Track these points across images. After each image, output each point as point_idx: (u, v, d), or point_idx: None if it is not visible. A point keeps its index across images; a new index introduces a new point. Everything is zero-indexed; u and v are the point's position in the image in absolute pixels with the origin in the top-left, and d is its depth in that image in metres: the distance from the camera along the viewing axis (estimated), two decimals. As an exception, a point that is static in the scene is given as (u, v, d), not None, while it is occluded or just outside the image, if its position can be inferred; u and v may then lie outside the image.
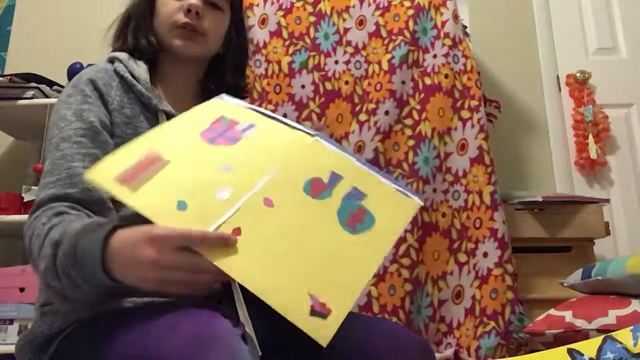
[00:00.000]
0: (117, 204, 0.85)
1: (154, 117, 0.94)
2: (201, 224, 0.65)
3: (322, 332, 0.62)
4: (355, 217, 0.73)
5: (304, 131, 0.82)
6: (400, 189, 0.80)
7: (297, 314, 0.62)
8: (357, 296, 0.68)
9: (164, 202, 0.67)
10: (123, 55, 0.97)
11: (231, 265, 0.63)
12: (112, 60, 0.98)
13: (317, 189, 0.75)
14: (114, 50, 1.02)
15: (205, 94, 1.05)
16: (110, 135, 0.89)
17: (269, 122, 0.83)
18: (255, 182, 0.72)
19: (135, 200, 0.67)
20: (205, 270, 0.63)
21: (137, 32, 1.00)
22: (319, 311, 0.63)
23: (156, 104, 0.93)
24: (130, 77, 0.94)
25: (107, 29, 1.05)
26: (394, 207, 0.77)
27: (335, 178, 0.77)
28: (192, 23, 0.97)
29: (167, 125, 0.82)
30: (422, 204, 0.80)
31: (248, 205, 0.70)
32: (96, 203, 0.82)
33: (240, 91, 1.09)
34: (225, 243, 0.64)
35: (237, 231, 0.66)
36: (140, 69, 0.96)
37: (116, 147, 0.87)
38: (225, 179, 0.71)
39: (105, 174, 0.69)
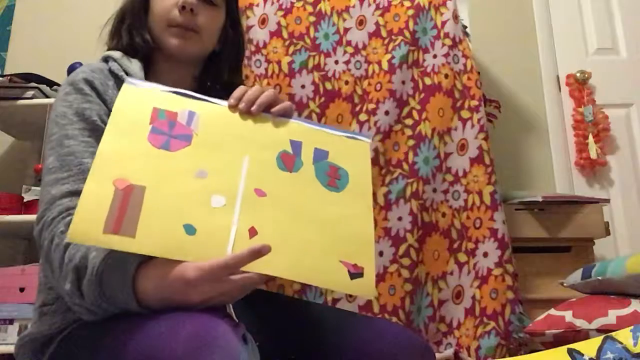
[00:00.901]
0: None
1: None
2: (217, 241, 0.67)
3: (367, 288, 0.71)
4: (331, 175, 0.79)
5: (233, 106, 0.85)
6: (349, 134, 0.86)
7: (343, 284, 0.70)
8: (374, 246, 0.76)
9: (171, 235, 0.66)
10: (117, 54, 0.97)
11: (268, 266, 0.68)
12: (106, 59, 0.97)
13: (288, 162, 0.78)
14: (109, 49, 1.01)
15: (201, 92, 1.06)
16: None
17: (200, 104, 0.81)
18: (236, 178, 0.74)
19: (139, 246, 0.65)
20: (249, 284, 0.68)
21: (131, 30, 0.99)
22: (356, 272, 0.71)
23: None
24: (125, 75, 0.93)
25: (102, 27, 1.04)
26: (353, 152, 0.83)
27: (296, 145, 0.81)
28: (186, 21, 0.96)
29: (106, 140, 0.72)
30: (370, 141, 0.86)
31: (245, 203, 0.72)
32: None
33: (235, 84, 1.09)
34: (260, 254, 0.67)
35: (253, 231, 0.69)
36: (135, 67, 0.96)
37: None
38: (209, 186, 0.71)
39: (90, 231, 0.64)
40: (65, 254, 0.73)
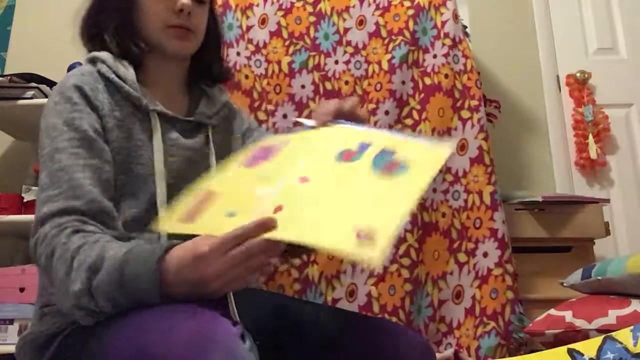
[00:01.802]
0: (121, 213, 0.86)
1: (145, 117, 0.92)
2: (246, 220, 0.70)
3: (372, 254, 0.64)
4: (388, 167, 0.76)
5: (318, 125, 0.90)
6: (431, 144, 0.81)
7: (344, 246, 0.65)
8: (400, 219, 0.68)
9: (215, 219, 0.75)
10: (105, 56, 0.94)
11: (277, 233, 0.69)
12: (93, 61, 0.94)
13: (347, 156, 0.79)
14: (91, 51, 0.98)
15: (190, 87, 1.05)
16: (105, 141, 0.87)
17: (300, 135, 0.90)
18: (287, 171, 0.80)
19: (192, 227, 0.75)
20: (258, 251, 0.68)
21: (122, 35, 0.96)
22: (364, 236, 0.65)
23: (147, 104, 0.91)
24: (116, 78, 0.91)
25: (76, 25, 1.01)
26: (424, 154, 0.79)
27: (363, 146, 0.81)
28: (184, 22, 0.95)
29: (220, 176, 0.88)
30: (451, 151, 0.80)
31: (285, 186, 0.76)
32: (101, 213, 0.81)
33: (225, 76, 1.09)
34: (265, 226, 0.69)
35: (279, 208, 0.72)
36: (126, 69, 0.93)
37: (111, 153, 0.86)
38: (262, 183, 0.79)
39: (172, 220, 0.79)
40: (74, 261, 0.72)
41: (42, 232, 0.77)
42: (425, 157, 0.78)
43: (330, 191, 0.74)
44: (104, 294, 0.70)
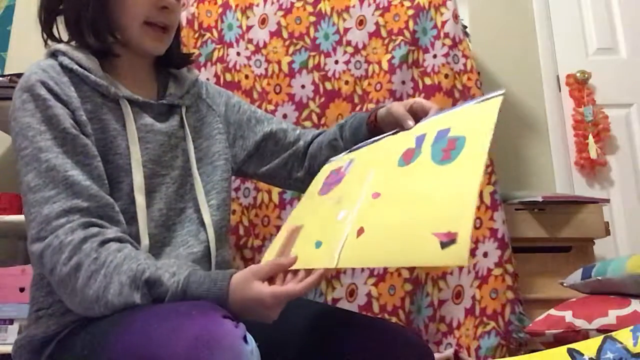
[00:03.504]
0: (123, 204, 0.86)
1: (116, 106, 0.90)
2: (331, 250, 0.73)
3: (458, 256, 0.62)
4: (446, 149, 0.74)
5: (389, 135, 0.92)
6: (481, 99, 0.80)
7: (432, 257, 0.63)
8: (473, 207, 0.65)
9: (306, 252, 0.78)
10: (64, 47, 0.90)
11: (362, 260, 0.73)
12: (54, 54, 0.90)
13: (408, 156, 0.79)
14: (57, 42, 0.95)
15: (158, 72, 1.03)
16: (84, 135, 0.85)
17: (361, 151, 0.93)
18: (360, 190, 0.81)
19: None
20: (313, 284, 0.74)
21: (97, 28, 0.90)
22: (447, 241, 0.63)
23: (115, 92, 0.89)
24: (80, 69, 0.87)
25: (38, 17, 0.95)
26: (478, 116, 0.77)
27: (419, 139, 0.81)
28: (165, 20, 0.93)
29: (295, 215, 0.93)
30: (502, 95, 0.79)
31: (362, 208, 0.77)
32: (104, 207, 0.81)
33: (187, 60, 1.06)
34: (284, 265, 0.76)
35: (361, 230, 0.72)
36: (88, 58, 0.90)
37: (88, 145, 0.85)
38: (340, 206, 0.81)
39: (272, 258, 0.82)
40: (118, 274, 0.75)
41: (54, 240, 0.76)
42: (478, 116, 0.76)
43: (401, 200, 0.73)
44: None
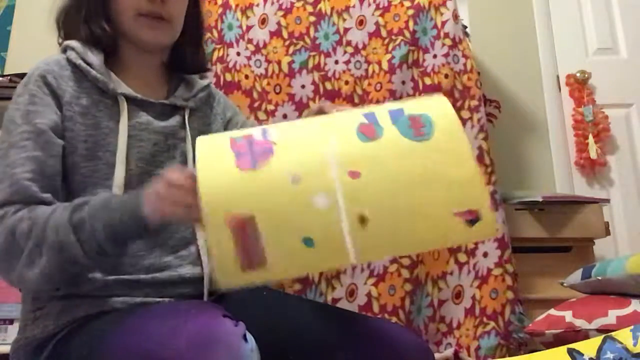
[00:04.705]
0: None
1: (113, 102, 0.90)
2: (335, 244, 0.67)
3: (488, 229, 0.66)
4: (415, 126, 0.73)
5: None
6: (422, 98, 0.81)
7: (464, 236, 0.66)
8: (482, 179, 0.69)
9: (295, 254, 0.67)
10: (76, 44, 0.93)
11: (389, 249, 0.71)
12: (64, 50, 0.94)
13: (369, 131, 0.74)
14: (67, 39, 0.97)
15: (170, 75, 1.03)
16: (62, 130, 0.86)
17: (271, 124, 0.81)
18: (328, 169, 0.70)
19: (274, 273, 0.68)
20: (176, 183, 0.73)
21: (88, 21, 0.94)
22: (472, 218, 0.65)
23: (114, 88, 0.90)
24: (83, 64, 0.89)
25: (54, 15, 1.00)
26: (429, 102, 0.77)
27: (370, 115, 0.76)
28: (156, 11, 0.92)
29: (203, 185, 0.70)
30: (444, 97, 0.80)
31: (345, 191, 0.69)
32: (41, 203, 0.82)
33: (200, 68, 1.06)
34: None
35: (363, 218, 0.67)
36: (94, 54, 0.92)
37: (72, 141, 0.86)
38: (307, 189, 0.69)
39: (232, 275, 0.67)
40: (48, 226, 0.75)
41: None
42: (429, 102, 0.77)
43: (397, 180, 0.70)
44: (89, 235, 0.74)
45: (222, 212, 0.67)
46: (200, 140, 0.75)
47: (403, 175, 0.70)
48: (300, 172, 0.70)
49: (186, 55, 1.03)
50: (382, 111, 0.76)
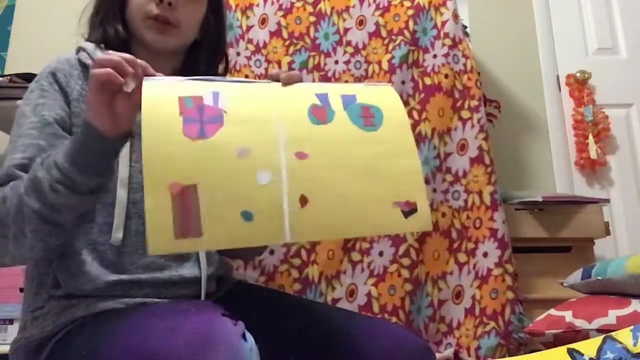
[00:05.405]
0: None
1: None
2: (273, 220, 0.68)
3: (422, 222, 0.72)
4: (365, 115, 0.77)
5: (260, 82, 0.82)
6: (367, 84, 0.85)
7: (398, 225, 0.72)
8: (422, 175, 0.75)
9: (233, 226, 0.67)
10: (89, 45, 0.97)
11: (329, 231, 0.71)
12: (78, 51, 0.97)
13: (320, 114, 0.76)
14: (87, 40, 1.01)
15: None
16: (70, 126, 0.88)
17: (224, 84, 0.78)
18: (276, 146, 0.72)
19: (209, 243, 0.67)
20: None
21: (104, 23, 0.98)
22: (409, 210, 0.71)
23: None
24: (92, 63, 0.91)
25: (79, 16, 1.04)
26: (379, 93, 0.82)
27: (323, 97, 0.79)
28: (164, 15, 0.94)
29: (146, 146, 0.69)
30: (391, 86, 0.85)
31: (290, 171, 0.71)
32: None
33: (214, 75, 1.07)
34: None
35: (304, 199, 0.69)
36: (104, 54, 0.94)
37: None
38: (252, 163, 0.70)
39: (164, 240, 0.66)
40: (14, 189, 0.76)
41: None
42: (379, 93, 0.81)
43: (342, 166, 0.73)
44: (51, 177, 0.74)
45: (164, 178, 0.67)
46: (147, 95, 0.72)
47: (348, 161, 0.73)
48: (247, 147, 0.71)
49: (200, 62, 1.04)
50: (335, 94, 0.79)
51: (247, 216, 0.68)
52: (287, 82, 0.80)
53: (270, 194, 0.69)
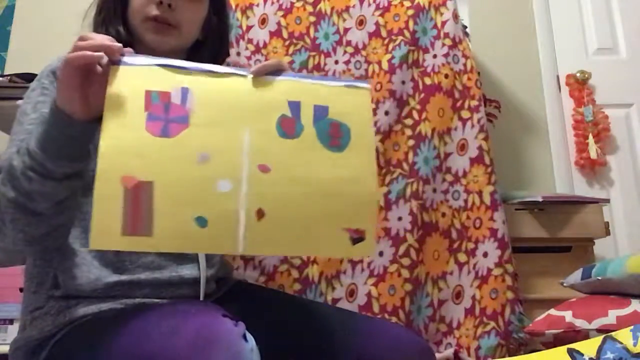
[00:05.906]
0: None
1: None
2: (228, 230, 0.68)
3: (367, 250, 0.75)
4: (333, 134, 0.78)
5: (233, 74, 0.79)
6: (347, 82, 0.84)
7: (345, 251, 0.74)
8: (376, 204, 0.80)
9: (185, 230, 0.66)
10: None
11: (277, 246, 0.72)
12: None
13: (289, 127, 0.76)
14: None
15: None
16: None
17: (196, 78, 0.76)
18: (239, 156, 0.71)
19: (157, 244, 0.66)
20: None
21: (106, 23, 0.99)
22: (357, 237, 0.73)
23: None
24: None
25: (83, 16, 1.05)
26: (353, 103, 0.81)
27: (295, 107, 0.78)
28: (163, 16, 0.94)
29: (105, 137, 0.68)
30: (369, 86, 0.83)
31: (251, 182, 0.71)
32: None
33: None
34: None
35: (260, 212, 0.70)
36: None
37: None
38: (213, 170, 0.69)
39: (109, 234, 0.64)
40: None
41: None
42: (353, 105, 0.80)
43: (301, 184, 0.73)
44: (29, 163, 0.72)
45: (119, 169, 0.65)
46: (113, 84, 0.71)
47: (308, 181, 0.74)
48: (210, 152, 0.70)
49: (202, 60, 1.03)
50: (307, 105, 0.78)
51: (201, 222, 0.67)
52: (257, 73, 0.78)
53: (227, 203, 0.68)
